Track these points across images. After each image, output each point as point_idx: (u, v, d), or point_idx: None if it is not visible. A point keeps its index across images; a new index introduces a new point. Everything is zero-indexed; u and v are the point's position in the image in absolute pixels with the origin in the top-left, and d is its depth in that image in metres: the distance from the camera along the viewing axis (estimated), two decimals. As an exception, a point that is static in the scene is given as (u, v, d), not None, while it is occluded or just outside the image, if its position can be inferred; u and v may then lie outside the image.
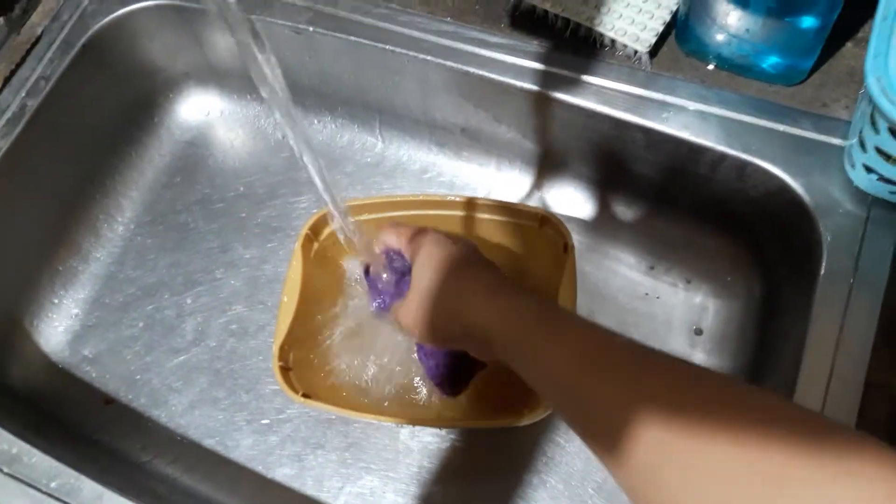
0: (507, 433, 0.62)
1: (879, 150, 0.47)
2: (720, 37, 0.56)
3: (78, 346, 0.70)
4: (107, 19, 0.70)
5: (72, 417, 0.66)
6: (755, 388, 0.31)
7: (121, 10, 0.71)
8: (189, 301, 0.71)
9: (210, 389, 0.67)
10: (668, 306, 0.65)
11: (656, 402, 0.31)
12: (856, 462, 0.26)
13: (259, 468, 0.63)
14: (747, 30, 0.54)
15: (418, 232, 0.52)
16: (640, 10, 0.59)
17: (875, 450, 0.26)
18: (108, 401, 0.67)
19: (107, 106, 0.75)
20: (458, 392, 0.59)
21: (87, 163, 0.75)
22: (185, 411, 0.66)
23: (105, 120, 0.75)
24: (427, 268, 0.48)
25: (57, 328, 0.71)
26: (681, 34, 0.59)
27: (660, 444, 0.30)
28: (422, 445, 0.63)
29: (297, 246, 0.61)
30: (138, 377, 0.68)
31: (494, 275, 0.48)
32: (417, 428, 0.63)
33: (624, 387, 0.33)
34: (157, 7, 0.71)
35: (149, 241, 0.75)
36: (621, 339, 0.37)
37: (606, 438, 0.32)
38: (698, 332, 0.63)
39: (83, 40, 0.69)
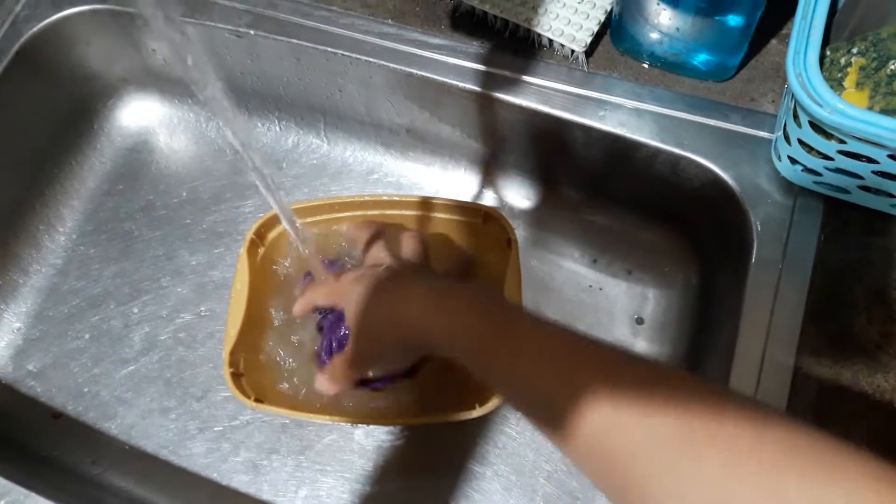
0: (461, 427, 0.63)
1: (802, 143, 0.49)
2: (653, 35, 0.58)
3: (21, 360, 0.69)
4: (40, 25, 0.69)
5: (19, 434, 0.65)
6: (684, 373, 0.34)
7: (55, 16, 0.69)
8: (136, 310, 0.70)
9: (160, 399, 0.66)
10: (610, 297, 0.67)
11: (597, 385, 0.33)
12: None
13: (214, 476, 0.63)
14: (678, 28, 0.56)
15: (338, 276, 0.53)
16: (576, 11, 0.60)
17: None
18: (56, 415, 0.66)
19: (44, 114, 0.74)
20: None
21: (25, 173, 0.73)
22: (135, 422, 0.66)
23: (42, 128, 0.74)
24: (354, 301, 0.48)
25: (-1, 343, 0.70)
26: (615, 33, 0.61)
27: (606, 418, 0.32)
28: (376, 444, 0.63)
29: (243, 251, 0.61)
30: (86, 390, 0.67)
31: (430, 278, 0.48)
32: (371, 427, 0.64)
33: (567, 375, 0.35)
34: (93, 12, 0.70)
35: (92, 251, 0.74)
36: (562, 332, 0.38)
37: (555, 422, 0.34)
38: (640, 321, 0.65)
39: (16, 47, 0.68)
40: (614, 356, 0.35)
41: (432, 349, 0.45)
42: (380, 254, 0.53)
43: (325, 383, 0.52)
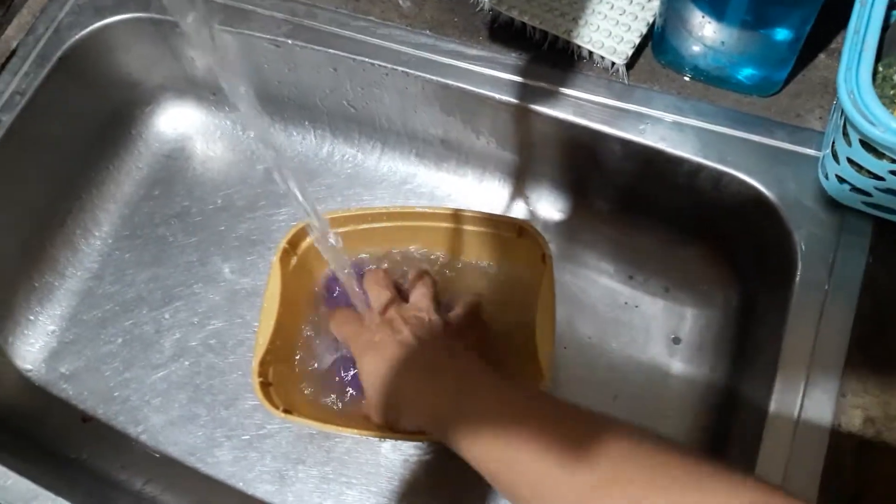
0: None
1: (851, 162, 0.48)
2: (696, 48, 0.56)
3: (55, 363, 0.70)
4: (83, 32, 0.70)
5: (49, 436, 0.65)
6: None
7: (97, 24, 0.70)
8: (167, 316, 0.70)
9: (189, 405, 0.66)
10: (646, 315, 0.65)
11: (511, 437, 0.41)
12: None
13: (240, 485, 0.63)
14: (722, 42, 0.54)
15: (349, 323, 0.58)
16: (617, 23, 0.59)
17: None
18: (86, 419, 0.67)
19: (83, 119, 0.75)
20: None
21: (64, 177, 0.74)
22: (164, 428, 0.66)
23: (82, 133, 0.75)
24: (368, 368, 0.53)
25: (33, 345, 0.70)
26: (657, 46, 0.60)
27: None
28: (403, 458, 0.63)
29: (276, 259, 0.61)
30: (116, 394, 0.67)
31: (419, 355, 0.52)
32: (399, 441, 0.63)
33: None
34: (134, 20, 0.71)
35: (127, 256, 0.74)
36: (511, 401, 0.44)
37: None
38: (676, 340, 0.64)
39: (59, 54, 0.69)
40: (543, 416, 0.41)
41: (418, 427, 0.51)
42: (392, 312, 0.56)
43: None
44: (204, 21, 0.32)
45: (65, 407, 0.67)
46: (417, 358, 0.52)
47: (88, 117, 0.75)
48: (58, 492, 0.53)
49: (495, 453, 0.41)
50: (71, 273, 0.73)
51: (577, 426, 0.40)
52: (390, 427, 0.54)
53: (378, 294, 0.58)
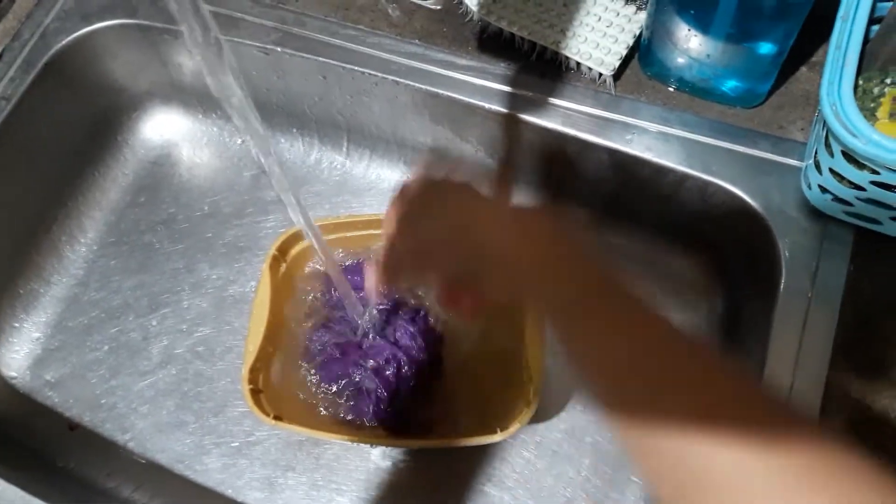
0: (479, 450, 0.62)
1: (834, 172, 0.49)
2: (681, 60, 0.58)
3: (40, 370, 0.69)
4: (69, 38, 0.70)
5: (35, 444, 0.65)
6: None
7: (83, 29, 0.70)
8: (154, 323, 0.70)
9: (177, 412, 0.66)
10: (634, 323, 0.66)
11: (691, 406, 0.31)
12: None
13: (229, 492, 0.63)
14: (707, 54, 0.56)
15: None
16: (605, 35, 0.60)
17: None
18: (73, 426, 0.66)
19: (69, 125, 0.74)
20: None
21: (49, 183, 0.73)
22: (151, 435, 0.65)
23: (68, 139, 0.74)
24: (423, 185, 0.42)
25: (18, 353, 0.70)
26: (644, 58, 0.61)
27: (693, 445, 0.30)
28: (393, 465, 0.63)
29: (265, 266, 0.61)
30: (103, 401, 0.67)
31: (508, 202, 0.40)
32: (388, 447, 0.63)
33: (665, 379, 0.32)
34: (121, 26, 0.71)
35: (113, 263, 0.74)
36: (665, 325, 0.34)
37: (633, 418, 0.32)
38: (664, 347, 0.65)
39: (45, 59, 0.69)
40: (714, 372, 0.32)
41: (498, 277, 0.38)
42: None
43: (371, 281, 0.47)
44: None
45: (51, 414, 0.67)
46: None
47: (74, 123, 0.74)
48: (46, 499, 0.53)
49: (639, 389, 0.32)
50: (56, 280, 0.73)
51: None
52: (403, 278, 0.45)
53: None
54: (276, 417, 0.56)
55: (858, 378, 0.49)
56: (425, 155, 0.55)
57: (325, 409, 0.60)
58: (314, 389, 0.61)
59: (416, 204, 0.42)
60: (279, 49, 0.67)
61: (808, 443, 0.28)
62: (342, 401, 0.60)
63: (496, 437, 0.53)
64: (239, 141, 0.79)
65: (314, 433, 0.56)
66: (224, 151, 0.79)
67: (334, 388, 0.60)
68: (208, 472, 0.64)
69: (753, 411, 0.30)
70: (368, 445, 0.63)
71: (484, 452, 0.63)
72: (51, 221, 0.74)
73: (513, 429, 0.53)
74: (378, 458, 0.63)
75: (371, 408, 0.59)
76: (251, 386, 0.57)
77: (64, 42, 0.69)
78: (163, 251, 0.74)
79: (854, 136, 0.44)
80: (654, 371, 0.33)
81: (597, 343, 0.35)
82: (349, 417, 0.59)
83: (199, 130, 0.80)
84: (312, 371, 0.61)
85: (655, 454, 0.31)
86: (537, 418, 0.60)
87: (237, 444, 0.64)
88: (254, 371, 0.57)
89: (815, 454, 0.28)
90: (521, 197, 0.72)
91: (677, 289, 0.66)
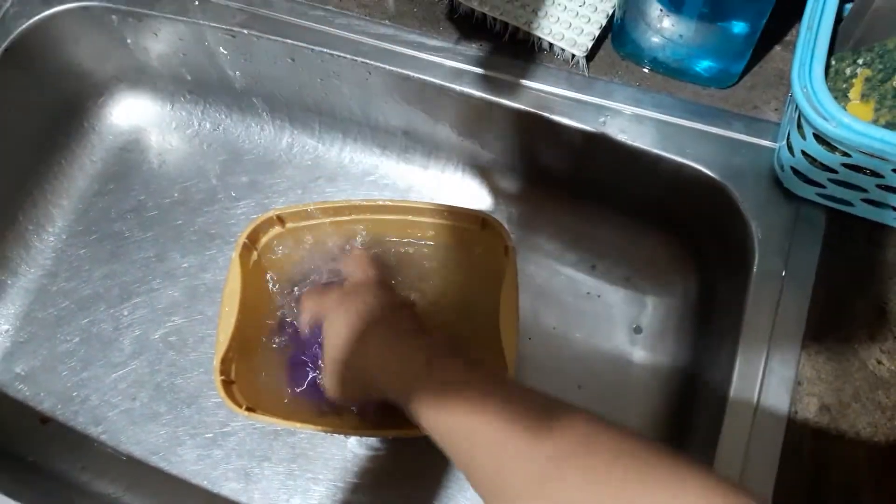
0: (455, 436, 0.62)
1: (806, 155, 0.49)
2: (655, 41, 0.57)
3: (9, 363, 0.68)
4: (29, 22, 0.67)
5: (5, 439, 0.64)
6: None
7: (44, 13, 0.68)
8: (126, 313, 0.69)
9: (151, 404, 0.65)
10: (609, 305, 0.66)
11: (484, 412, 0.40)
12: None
13: (204, 483, 0.62)
14: (680, 34, 0.55)
15: (321, 292, 0.58)
16: (577, 15, 0.59)
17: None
18: (44, 420, 0.65)
19: (33, 112, 0.72)
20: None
21: (14, 172, 0.72)
22: (125, 427, 0.65)
23: (32, 127, 0.72)
24: (333, 329, 0.53)
25: (-14, 346, 0.69)
26: (617, 38, 0.60)
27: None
28: (370, 453, 0.63)
29: (235, 255, 0.60)
30: (75, 394, 0.66)
31: (392, 323, 0.52)
32: (364, 436, 0.63)
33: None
34: (83, 9, 0.69)
35: (82, 252, 0.72)
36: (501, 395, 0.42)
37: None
38: (638, 329, 0.65)
39: (5, 44, 0.67)
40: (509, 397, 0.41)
41: (379, 392, 0.49)
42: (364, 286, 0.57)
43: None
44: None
45: (22, 408, 0.66)
46: (385, 323, 0.51)
47: (38, 110, 0.73)
48: (17, 496, 0.52)
49: (457, 424, 0.41)
50: (24, 271, 0.72)
51: (537, 404, 0.40)
52: (347, 399, 0.54)
53: (354, 270, 0.59)
54: (249, 409, 0.55)
55: (830, 357, 0.49)
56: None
57: (299, 398, 0.59)
58: (287, 378, 0.60)
59: (333, 338, 0.54)
60: (246, 31, 0.65)
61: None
62: (318, 387, 0.60)
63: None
64: (208, 126, 0.77)
65: (288, 423, 0.56)
66: (193, 137, 0.77)
67: (312, 373, 0.59)
68: (183, 463, 0.63)
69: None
70: (344, 435, 0.62)
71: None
72: (17, 211, 0.72)
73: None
74: (354, 447, 0.63)
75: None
76: (223, 377, 0.56)
77: (24, 26, 0.67)
78: (133, 240, 0.73)
79: (825, 119, 0.43)
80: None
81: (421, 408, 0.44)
82: (322, 405, 0.59)
83: (168, 115, 0.78)
84: (283, 359, 0.60)
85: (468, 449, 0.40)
86: (513, 403, 0.60)
87: (212, 434, 0.64)
88: (225, 362, 0.57)
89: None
90: (497, 181, 0.71)
91: (652, 270, 0.66)
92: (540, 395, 0.41)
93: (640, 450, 0.35)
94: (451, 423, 0.41)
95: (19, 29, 0.67)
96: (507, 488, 0.36)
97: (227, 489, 0.62)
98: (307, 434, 0.63)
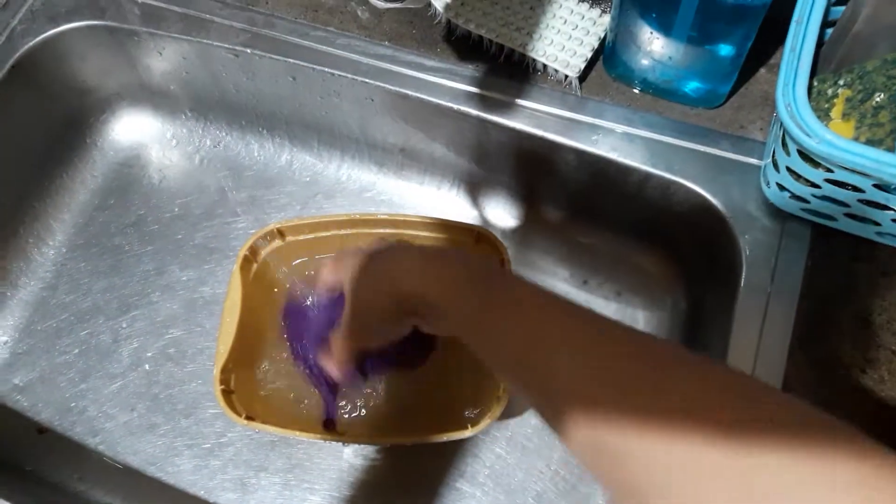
0: (451, 446, 0.63)
1: (791, 171, 0.50)
2: (645, 62, 0.59)
3: (8, 374, 0.68)
4: (36, 40, 0.69)
5: (3, 448, 0.64)
6: (719, 367, 0.32)
7: (51, 31, 0.69)
8: (125, 325, 0.70)
9: (148, 415, 0.66)
10: (601, 319, 0.67)
11: (589, 375, 0.32)
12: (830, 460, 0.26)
13: (201, 493, 0.63)
14: (670, 56, 0.57)
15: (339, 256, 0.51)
16: (570, 37, 0.61)
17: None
18: (42, 430, 0.66)
19: (37, 127, 0.74)
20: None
21: (16, 185, 0.73)
22: (122, 438, 0.65)
23: (35, 141, 0.74)
24: (351, 267, 0.46)
25: (-15, 356, 0.69)
26: (608, 60, 0.62)
27: (599, 414, 0.31)
28: (366, 463, 0.63)
29: (236, 268, 0.61)
30: (73, 405, 0.67)
31: (425, 249, 0.46)
32: (361, 445, 0.64)
33: (579, 366, 0.33)
34: (89, 27, 0.70)
35: (82, 265, 0.73)
36: (578, 312, 0.36)
37: (557, 416, 0.33)
38: (630, 343, 0.66)
39: (12, 61, 0.68)
40: (608, 335, 0.34)
41: (426, 317, 0.43)
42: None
43: (330, 366, 0.51)
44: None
45: (20, 419, 0.66)
46: (414, 246, 0.46)
47: (42, 126, 0.74)
48: (14, 503, 0.52)
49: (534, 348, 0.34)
50: (24, 283, 0.72)
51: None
52: (369, 341, 0.50)
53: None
54: (248, 418, 0.56)
55: (816, 370, 0.51)
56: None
57: (298, 408, 0.60)
58: (285, 389, 0.61)
59: (358, 270, 0.46)
60: (249, 51, 0.67)
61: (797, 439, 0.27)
62: (316, 398, 0.61)
63: (467, 433, 0.54)
64: (208, 142, 0.79)
65: (285, 432, 0.56)
66: (194, 153, 0.79)
67: (311, 384, 0.60)
68: (180, 473, 0.64)
69: (721, 412, 0.29)
70: (340, 444, 0.63)
71: (456, 449, 0.63)
72: (18, 224, 0.73)
73: (483, 424, 0.54)
74: (350, 457, 0.63)
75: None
76: (223, 387, 0.57)
77: (31, 44, 0.69)
78: (133, 253, 0.74)
79: (808, 135, 0.45)
80: (599, 368, 0.33)
81: (520, 345, 0.36)
82: (322, 414, 0.60)
83: (169, 132, 0.80)
84: (281, 370, 0.61)
85: (616, 459, 0.31)
86: (508, 414, 0.61)
87: (209, 445, 0.64)
88: (225, 372, 0.57)
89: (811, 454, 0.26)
90: (492, 197, 0.73)
91: (642, 285, 0.68)
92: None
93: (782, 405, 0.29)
94: (523, 361, 0.35)
95: (26, 46, 0.69)
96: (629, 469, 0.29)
97: (223, 499, 0.62)
98: (304, 445, 0.64)
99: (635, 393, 0.31)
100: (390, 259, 0.45)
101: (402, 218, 0.64)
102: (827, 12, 0.50)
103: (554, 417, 0.34)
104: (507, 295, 0.38)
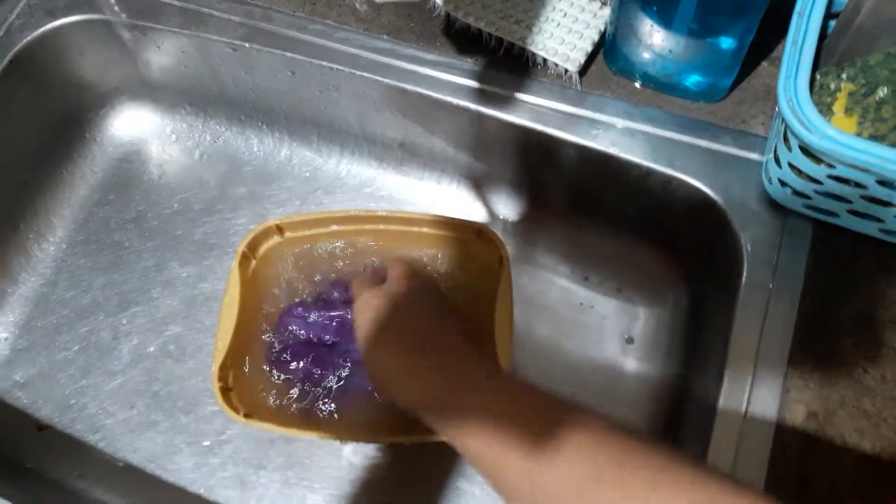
0: (450, 446, 0.62)
1: (792, 167, 0.50)
2: (646, 56, 0.58)
3: (8, 371, 0.68)
4: (34, 34, 0.69)
5: (3, 445, 0.64)
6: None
7: (49, 25, 0.69)
8: (125, 322, 0.70)
9: (148, 412, 0.66)
10: (601, 315, 0.67)
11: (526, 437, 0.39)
12: None
13: (201, 491, 0.63)
14: (670, 50, 0.56)
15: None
16: (570, 31, 0.61)
17: None
18: (42, 427, 0.66)
19: (36, 123, 0.73)
20: None
21: (15, 181, 0.73)
22: (122, 435, 0.65)
23: (34, 137, 0.74)
24: (358, 336, 0.52)
25: (-15, 353, 0.69)
26: (609, 54, 0.61)
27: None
28: (365, 461, 0.63)
29: (235, 264, 0.61)
30: (73, 401, 0.67)
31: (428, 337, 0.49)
32: (360, 444, 0.63)
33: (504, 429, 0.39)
34: (86, 22, 0.70)
35: (82, 261, 0.73)
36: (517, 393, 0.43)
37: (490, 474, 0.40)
38: (629, 340, 0.66)
39: (10, 56, 0.68)
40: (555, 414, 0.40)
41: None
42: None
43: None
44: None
45: (19, 415, 0.66)
46: (410, 328, 0.50)
47: (41, 121, 0.74)
48: (14, 500, 0.52)
49: (489, 450, 0.40)
50: (24, 279, 0.72)
51: (563, 416, 0.40)
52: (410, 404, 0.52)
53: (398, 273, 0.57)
54: (247, 415, 0.56)
55: (817, 367, 0.50)
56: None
57: (296, 406, 0.60)
58: (284, 386, 0.61)
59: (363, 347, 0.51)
60: (247, 45, 0.66)
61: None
62: (313, 395, 0.60)
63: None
64: (208, 138, 0.78)
65: (284, 430, 0.56)
66: (193, 148, 0.79)
67: (308, 382, 0.60)
68: (180, 471, 0.64)
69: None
70: (340, 442, 0.63)
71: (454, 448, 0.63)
72: (18, 220, 0.73)
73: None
74: (350, 455, 0.63)
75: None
76: (221, 384, 0.57)
77: (29, 38, 0.69)
78: (133, 249, 0.74)
79: (809, 131, 0.45)
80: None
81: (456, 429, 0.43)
82: (321, 412, 0.60)
83: (168, 127, 0.79)
84: (280, 368, 0.61)
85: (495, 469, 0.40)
86: (507, 412, 0.60)
87: (209, 442, 0.64)
88: (224, 369, 0.57)
89: None
90: (492, 193, 0.72)
91: (643, 281, 0.67)
92: (564, 404, 0.42)
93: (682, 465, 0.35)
94: (484, 450, 0.41)
95: (24, 41, 0.68)
96: None
97: (223, 497, 0.62)
98: (303, 442, 0.64)
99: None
100: (377, 360, 0.49)
101: (401, 215, 0.63)
102: (830, 4, 0.49)
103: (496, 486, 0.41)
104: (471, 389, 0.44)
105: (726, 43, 0.54)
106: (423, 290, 0.54)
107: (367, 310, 0.52)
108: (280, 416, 0.59)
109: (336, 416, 0.59)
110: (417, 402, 0.46)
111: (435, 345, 0.48)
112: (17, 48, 0.68)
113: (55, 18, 0.69)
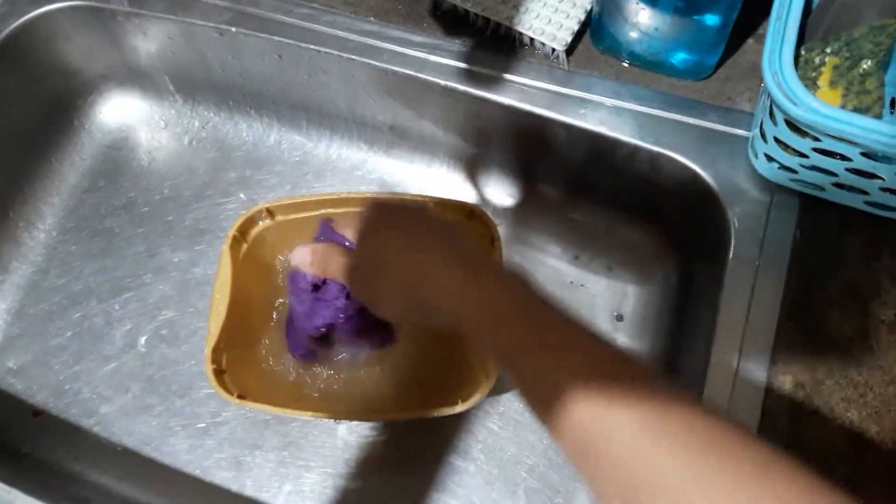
0: (443, 422, 0.63)
1: (778, 141, 0.50)
2: (632, 35, 0.58)
3: (1, 357, 0.68)
4: (19, 21, 0.68)
5: (-2, 431, 0.65)
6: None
7: (34, 12, 0.69)
8: (117, 308, 0.70)
9: (143, 396, 0.66)
10: (591, 294, 0.67)
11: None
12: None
13: (197, 472, 0.63)
14: (657, 28, 0.57)
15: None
16: (557, 10, 0.61)
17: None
18: (37, 413, 0.66)
19: (23, 110, 0.73)
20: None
21: (4, 169, 0.72)
22: (117, 419, 0.65)
23: (22, 125, 0.73)
24: (376, 233, 0.46)
25: (-23, 341, 0.69)
26: (595, 33, 0.62)
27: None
28: (359, 440, 0.64)
29: (225, 247, 0.61)
30: (67, 387, 0.67)
31: (461, 247, 0.42)
32: (354, 423, 0.64)
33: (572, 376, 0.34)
34: (72, 8, 0.70)
35: (73, 248, 0.73)
36: (586, 338, 0.38)
37: (551, 417, 0.34)
38: (619, 318, 0.66)
39: (-5, 44, 0.67)
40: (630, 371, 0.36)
41: (444, 322, 0.41)
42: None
43: (301, 255, 0.53)
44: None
45: (14, 402, 0.66)
46: (454, 244, 0.42)
47: (28, 108, 0.73)
48: (12, 484, 0.53)
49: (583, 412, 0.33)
50: (15, 267, 0.72)
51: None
52: (356, 293, 0.49)
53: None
54: (240, 396, 0.56)
55: (804, 341, 0.51)
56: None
57: (292, 386, 0.61)
58: (278, 367, 0.61)
59: (373, 250, 0.46)
60: (233, 29, 0.66)
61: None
62: (308, 376, 0.61)
63: (458, 408, 0.54)
64: (197, 124, 0.78)
65: (279, 411, 0.57)
66: (182, 134, 0.78)
67: (302, 361, 0.61)
68: (175, 453, 0.64)
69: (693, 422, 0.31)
70: (334, 421, 0.63)
71: (449, 425, 0.64)
72: (7, 208, 0.73)
73: (474, 399, 0.54)
74: (344, 434, 0.64)
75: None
76: (214, 366, 0.57)
77: (14, 25, 0.68)
78: (124, 235, 0.74)
79: (794, 104, 0.45)
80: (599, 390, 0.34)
81: (548, 382, 0.36)
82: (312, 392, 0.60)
83: (157, 113, 0.79)
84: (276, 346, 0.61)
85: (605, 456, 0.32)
86: (500, 389, 0.61)
87: (203, 424, 0.65)
88: (217, 351, 0.57)
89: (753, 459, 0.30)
90: (482, 174, 0.73)
91: (633, 259, 0.68)
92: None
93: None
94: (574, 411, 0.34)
95: (9, 28, 0.68)
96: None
97: (218, 478, 0.63)
98: (298, 423, 0.64)
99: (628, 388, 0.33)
100: (417, 265, 0.42)
101: (394, 196, 0.63)
102: (814, -20, 0.50)
103: (544, 407, 0.35)
104: (544, 327, 0.38)
105: (711, 20, 0.55)
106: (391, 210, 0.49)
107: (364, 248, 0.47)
108: (275, 397, 0.59)
109: (331, 394, 0.60)
110: (479, 322, 0.39)
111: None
112: (2, 35, 0.68)
113: (40, 5, 0.69)
